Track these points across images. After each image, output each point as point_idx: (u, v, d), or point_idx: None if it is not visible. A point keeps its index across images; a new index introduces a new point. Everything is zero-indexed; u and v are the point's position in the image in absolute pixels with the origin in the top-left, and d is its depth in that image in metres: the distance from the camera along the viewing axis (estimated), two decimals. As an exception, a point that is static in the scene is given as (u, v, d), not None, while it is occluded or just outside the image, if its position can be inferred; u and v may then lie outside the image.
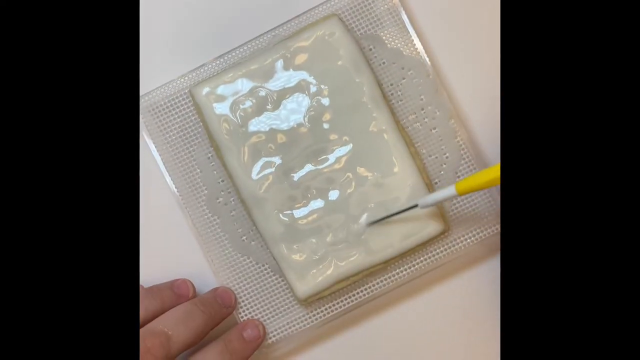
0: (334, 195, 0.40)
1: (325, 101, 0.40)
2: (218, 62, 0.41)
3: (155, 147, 0.41)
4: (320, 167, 0.40)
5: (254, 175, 0.40)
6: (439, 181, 0.41)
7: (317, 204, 0.40)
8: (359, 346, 0.42)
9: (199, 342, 0.37)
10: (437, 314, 0.42)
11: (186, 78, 0.41)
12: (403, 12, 0.40)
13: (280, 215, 0.40)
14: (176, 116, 0.41)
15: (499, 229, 0.40)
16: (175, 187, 0.41)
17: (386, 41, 0.41)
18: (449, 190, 0.35)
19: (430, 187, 0.40)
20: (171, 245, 0.42)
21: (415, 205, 0.37)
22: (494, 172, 0.33)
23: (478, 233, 0.41)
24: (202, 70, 0.41)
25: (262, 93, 0.40)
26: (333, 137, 0.40)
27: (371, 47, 0.41)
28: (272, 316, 0.41)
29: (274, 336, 0.40)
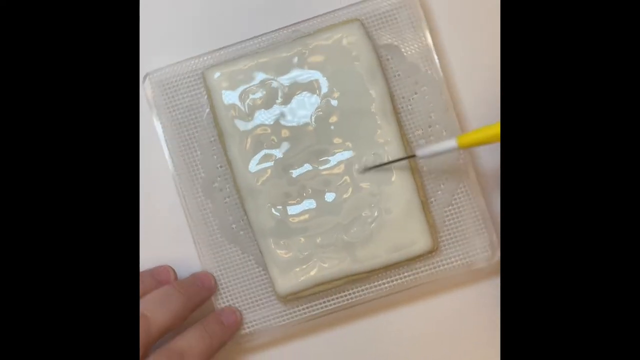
0: (329, 197, 0.40)
1: (335, 103, 0.40)
2: (235, 48, 0.41)
3: (160, 122, 0.41)
4: (320, 167, 0.40)
5: (253, 166, 0.40)
6: (435, 200, 0.41)
7: (311, 204, 0.40)
8: (333, 349, 0.42)
9: (179, 324, 0.37)
10: (415, 330, 0.42)
11: (201, 59, 0.41)
12: (426, 28, 0.40)
13: (273, 210, 0.40)
14: (186, 95, 0.41)
15: (488, 257, 0.40)
16: (174, 166, 0.41)
17: (405, 54, 0.41)
18: (449, 143, 0.36)
19: (426, 205, 0.40)
20: (161, 223, 0.42)
21: (413, 156, 0.38)
22: (496, 128, 0.33)
23: (466, 258, 0.40)
24: (218, 53, 0.41)
25: (274, 86, 0.40)
26: (337, 140, 0.40)
27: (389, 57, 0.41)
28: (250, 307, 0.41)
29: (249, 327, 0.40)
